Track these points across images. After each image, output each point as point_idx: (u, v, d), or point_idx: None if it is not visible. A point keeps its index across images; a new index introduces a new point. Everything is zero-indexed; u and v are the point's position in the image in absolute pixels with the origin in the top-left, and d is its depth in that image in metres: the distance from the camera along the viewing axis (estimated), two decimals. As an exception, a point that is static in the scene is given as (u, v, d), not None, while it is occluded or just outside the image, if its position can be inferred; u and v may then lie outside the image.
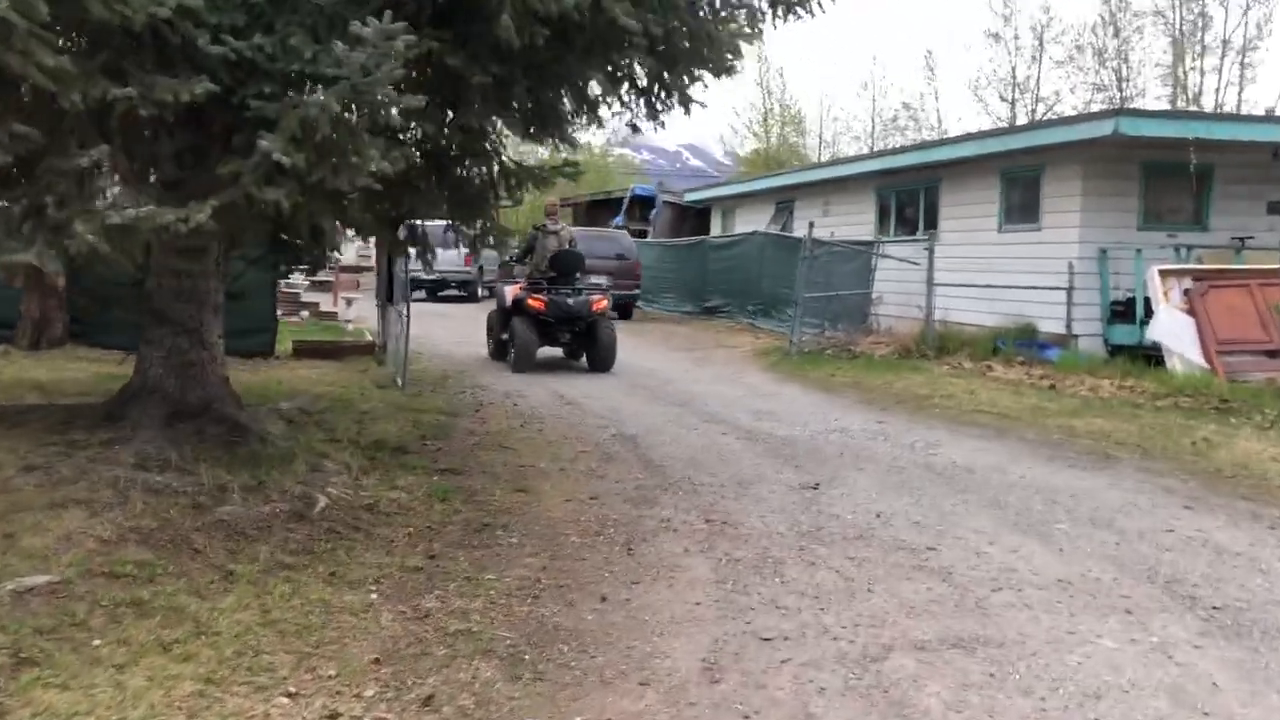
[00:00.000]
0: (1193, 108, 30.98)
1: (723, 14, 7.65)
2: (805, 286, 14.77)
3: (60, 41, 4.45)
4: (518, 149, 11.84)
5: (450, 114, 5.94)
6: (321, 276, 33.40)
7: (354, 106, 4.30)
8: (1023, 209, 15.81)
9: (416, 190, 6.11)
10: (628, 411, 9.88)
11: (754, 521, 5.97)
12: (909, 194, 19.17)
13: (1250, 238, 14.21)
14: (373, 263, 33.00)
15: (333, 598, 4.47)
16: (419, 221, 7.52)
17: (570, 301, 13.11)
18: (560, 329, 13.28)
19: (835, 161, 27.16)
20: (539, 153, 46.52)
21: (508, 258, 13.76)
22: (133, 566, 4.54)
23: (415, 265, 25.71)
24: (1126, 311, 13.67)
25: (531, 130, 6.14)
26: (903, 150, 21.78)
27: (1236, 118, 20.92)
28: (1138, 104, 32.56)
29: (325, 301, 21.24)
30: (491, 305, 15.52)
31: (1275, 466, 7.69)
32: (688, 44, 6.42)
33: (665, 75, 6.37)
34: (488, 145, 6.23)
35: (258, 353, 12.41)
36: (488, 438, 8.20)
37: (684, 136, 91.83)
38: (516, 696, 3.63)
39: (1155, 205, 14.55)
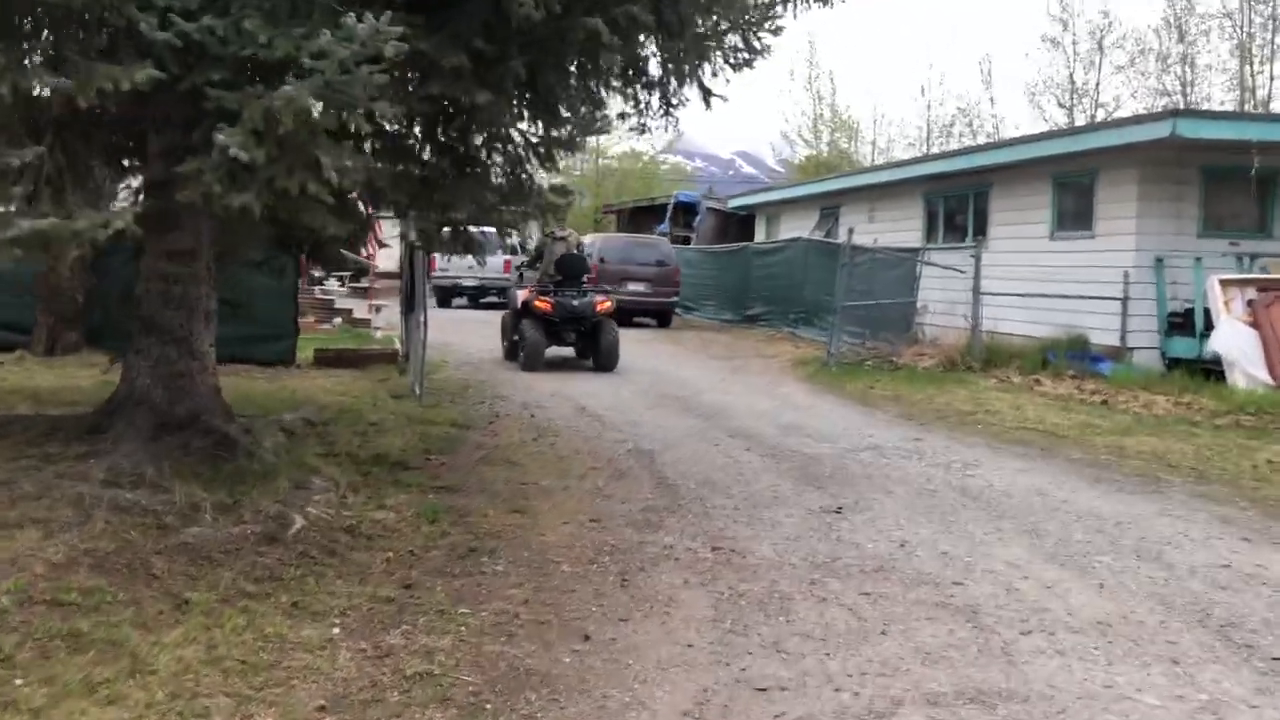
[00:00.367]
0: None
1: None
2: (844, 295, 14.25)
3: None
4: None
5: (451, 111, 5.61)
6: (363, 283, 33.67)
7: (322, 104, 3.94)
8: (1076, 215, 15.19)
9: (440, 188, 5.76)
10: (650, 424, 9.47)
11: (765, 550, 5.53)
12: (958, 200, 18.58)
13: (1319, 246, 13.50)
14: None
15: (290, 631, 4.11)
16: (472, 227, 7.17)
17: (575, 303, 13.74)
18: (566, 329, 13.94)
19: (881, 166, 26.55)
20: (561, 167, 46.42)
21: (519, 264, 14.64)
22: (78, 594, 4.22)
23: (453, 271, 25.57)
24: (1185, 323, 13.01)
25: (535, 116, 5.75)
26: (951, 154, 21.15)
27: (1305, 120, 20.06)
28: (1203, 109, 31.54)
29: (361, 308, 21.04)
30: None
31: (1345, 493, 7.11)
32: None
33: (679, 58, 5.96)
34: (504, 144, 5.85)
35: (278, 361, 12.19)
36: (496, 452, 7.84)
37: (737, 144, 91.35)
38: (465, 756, 3.24)
39: (1216, 211, 13.86)
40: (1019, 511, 6.57)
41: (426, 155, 6.26)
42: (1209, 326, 12.30)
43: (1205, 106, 31.45)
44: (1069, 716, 3.61)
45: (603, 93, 6.35)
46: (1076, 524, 6.30)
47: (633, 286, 21.52)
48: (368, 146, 5.11)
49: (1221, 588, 5.14)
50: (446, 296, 26.91)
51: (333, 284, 21.75)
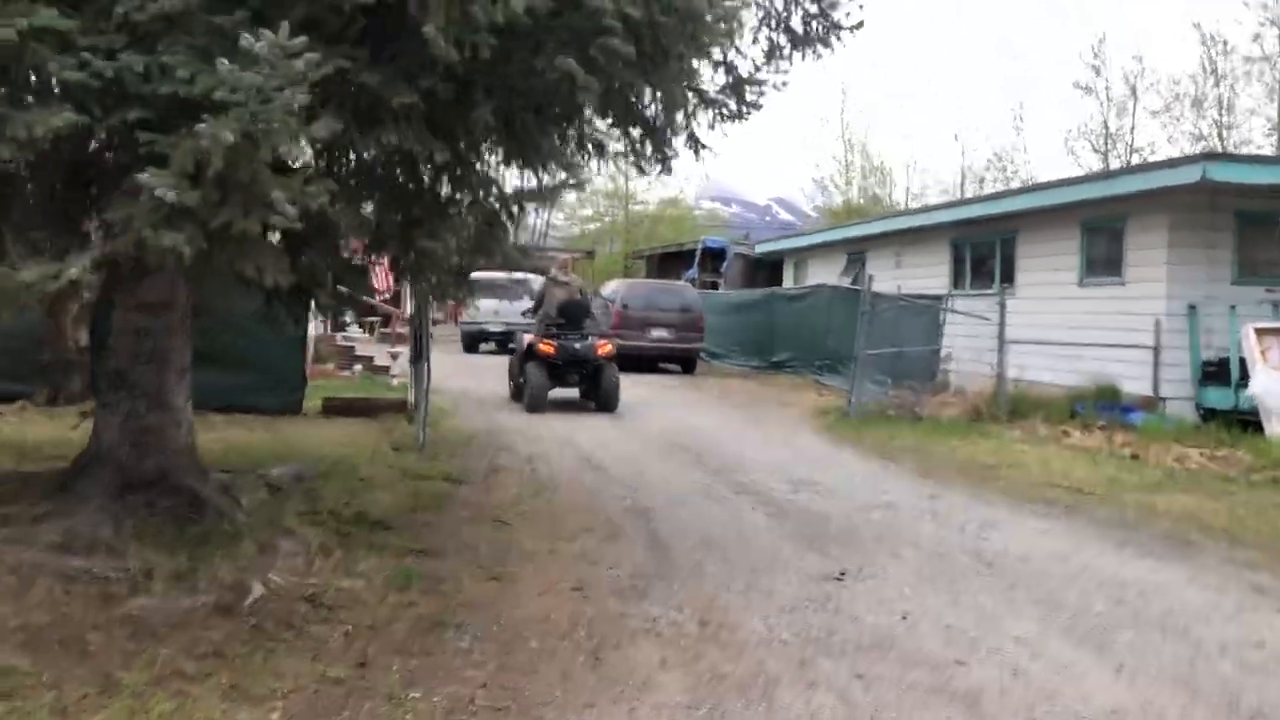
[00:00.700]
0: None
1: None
2: (865, 342, 13.84)
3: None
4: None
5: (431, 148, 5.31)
6: (391, 328, 33.59)
7: (255, 137, 3.65)
8: (1105, 262, 14.73)
9: (413, 229, 5.45)
10: (655, 478, 9.08)
11: (756, 623, 5.12)
12: (985, 246, 18.17)
13: (1360, 293, 12.93)
14: (446, 315, 33.08)
15: (223, 717, 3.76)
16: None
17: (577, 346, 14.20)
18: (569, 371, 14.39)
19: (908, 211, 26.23)
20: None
21: (525, 309, 15.85)
22: (-4, 675, 3.90)
23: (479, 317, 25.38)
24: (1220, 372, 12.48)
25: (511, 159, 5.42)
26: (977, 200, 20.80)
27: (1344, 163, 19.48)
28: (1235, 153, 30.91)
29: (383, 355, 20.84)
30: None
31: (1391, 560, 6.59)
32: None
33: (670, 103, 5.65)
34: (476, 180, 5.51)
35: (285, 410, 11.93)
36: (486, 510, 7.48)
37: (774, 190, 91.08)
38: None
39: (1251, 257, 13.35)
40: (1035, 579, 6.11)
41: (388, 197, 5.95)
42: (1245, 376, 11.78)
43: (1243, 150, 30.86)
44: (1073, 832, 3.18)
45: (589, 138, 6.03)
46: (1097, 593, 5.83)
47: (656, 333, 21.23)
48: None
49: (1253, 670, 4.67)
50: (473, 342, 26.74)
51: (355, 330, 21.53)
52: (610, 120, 5.71)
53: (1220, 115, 33.96)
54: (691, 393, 17.68)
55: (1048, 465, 10.21)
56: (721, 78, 7.21)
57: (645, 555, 6.36)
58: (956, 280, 19.04)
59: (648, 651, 4.69)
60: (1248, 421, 11.52)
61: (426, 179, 5.40)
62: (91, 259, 3.95)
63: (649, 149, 6.31)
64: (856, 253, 23.67)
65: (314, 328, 19.68)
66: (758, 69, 7.72)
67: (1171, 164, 13.72)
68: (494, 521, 7.09)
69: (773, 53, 8.07)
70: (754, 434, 12.51)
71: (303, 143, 3.80)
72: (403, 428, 11.25)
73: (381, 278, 19.10)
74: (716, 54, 5.74)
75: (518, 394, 14.89)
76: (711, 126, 6.95)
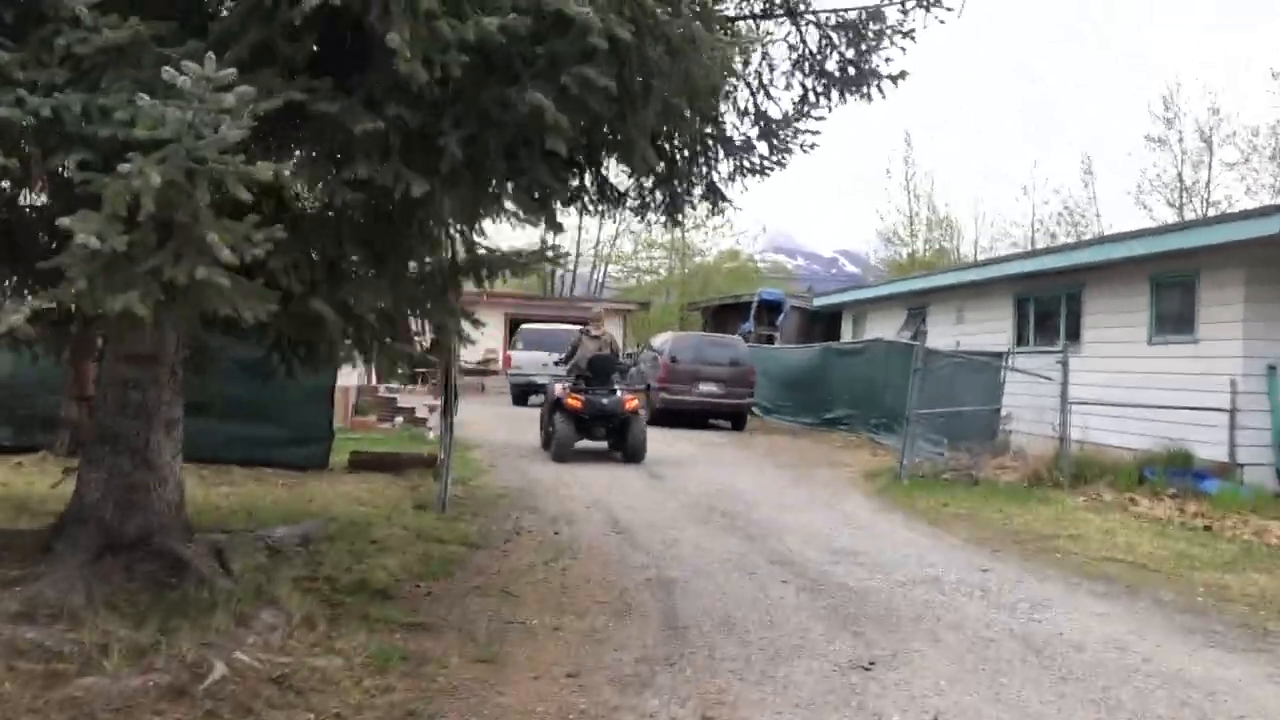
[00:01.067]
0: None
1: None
2: (918, 401, 13.26)
3: None
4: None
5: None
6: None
7: (192, 177, 3.32)
8: (1176, 318, 14.02)
9: (351, 280, 5.10)
10: (685, 545, 8.60)
11: (766, 721, 4.62)
12: (1049, 301, 17.50)
13: None
14: (499, 364, 32.95)
15: (147, 825, 3.36)
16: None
17: (605, 401, 14.55)
18: (596, 425, 14.77)
19: (970, 265, 25.54)
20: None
21: (556, 359, 16.46)
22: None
23: (527, 369, 25.14)
24: (1302, 438, 11.69)
25: (480, 205, 5.02)
26: (1041, 252, 20.12)
27: None
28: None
29: (424, 407, 20.62)
30: None
31: None
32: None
33: (677, 152, 5.27)
34: (432, 226, 5.13)
35: (310, 465, 11.67)
36: (497, 578, 7.06)
37: (840, 242, 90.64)
38: None
39: (1335, 314, 12.57)
40: (1089, 671, 5.52)
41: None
42: (1330, 443, 11.00)
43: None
44: None
45: (586, 188, 5.66)
46: (1159, 691, 5.23)
47: (704, 387, 20.78)
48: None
49: (1341, 795, 4.06)
50: (522, 394, 26.53)
51: (396, 381, 21.34)
52: (584, 164, 5.31)
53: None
54: (738, 450, 17.15)
55: (1111, 536, 9.54)
56: (749, 125, 6.87)
57: (657, 636, 5.88)
58: (1020, 337, 18.37)
59: (640, 753, 4.21)
60: (1333, 492, 10.75)
61: (391, 219, 5.02)
62: (32, 309, 3.63)
63: (659, 197, 5.92)
64: (917, 307, 23.06)
65: (355, 378, 19.63)
66: (795, 116, 7.38)
67: (1247, 215, 13.03)
68: (502, 592, 6.66)
69: (805, 99, 7.71)
70: (798, 497, 11.96)
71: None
72: (429, 485, 10.92)
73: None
74: (716, 99, 5.33)
75: (548, 443, 15.33)
76: (735, 176, 6.58)
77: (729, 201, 6.89)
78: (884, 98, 7.52)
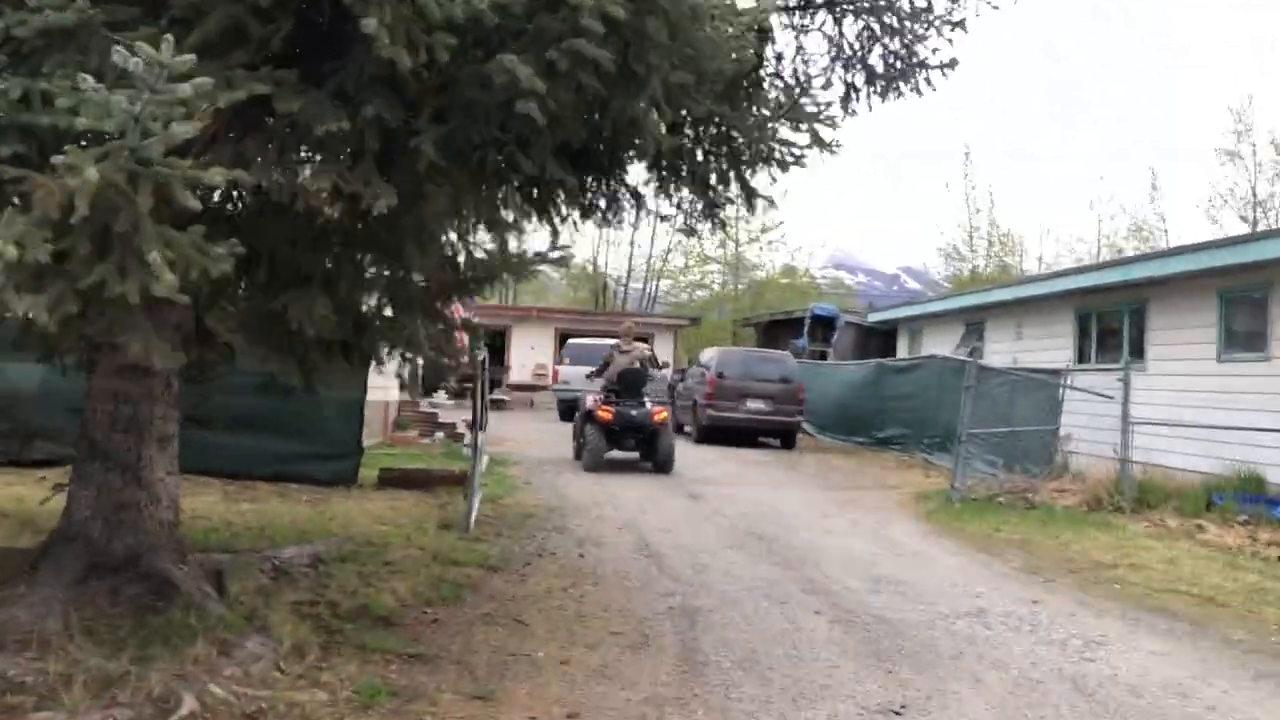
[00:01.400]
0: None
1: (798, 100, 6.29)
2: (970, 421, 12.71)
3: None
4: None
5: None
6: (497, 395, 33.45)
7: (135, 180, 3.02)
8: (1247, 335, 13.36)
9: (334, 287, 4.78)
10: (716, 572, 8.18)
11: (780, 772, 4.20)
12: (1112, 317, 16.87)
13: None
14: (548, 380, 32.74)
15: None
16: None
17: (634, 413, 15.13)
18: (626, 436, 15.36)
19: (1028, 279, 24.81)
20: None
21: (588, 373, 17.11)
22: None
23: (575, 384, 24.98)
24: (1385, 463, 10.98)
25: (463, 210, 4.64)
26: (1103, 266, 19.46)
27: None
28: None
29: (465, 422, 20.40)
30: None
31: None
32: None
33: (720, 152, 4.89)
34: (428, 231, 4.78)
35: (338, 481, 11.43)
36: (510, 605, 6.70)
37: (902, 258, 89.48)
38: None
39: None
40: (1146, 721, 5.03)
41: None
42: None
43: None
44: None
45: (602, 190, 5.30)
46: (1225, 746, 4.73)
47: (752, 404, 20.31)
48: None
49: None
50: (568, 409, 26.21)
51: (440, 396, 21.21)
52: (596, 158, 4.94)
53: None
54: (784, 470, 16.65)
55: (1175, 566, 8.95)
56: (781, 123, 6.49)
57: (672, 672, 5.48)
58: (1081, 354, 17.72)
59: (634, 808, 3.82)
60: None
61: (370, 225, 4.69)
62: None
63: (686, 193, 5.55)
64: (975, 323, 22.44)
65: (396, 393, 19.48)
66: (829, 109, 6.96)
67: (1323, 226, 12.35)
68: (512, 621, 6.30)
69: (849, 95, 7.31)
70: (842, 520, 11.47)
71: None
72: (458, 503, 10.59)
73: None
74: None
75: (580, 453, 15.92)
76: (763, 164, 6.17)
77: (765, 199, 6.51)
78: (934, 90, 7.10)
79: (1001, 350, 20.27)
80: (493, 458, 15.57)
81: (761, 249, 44.32)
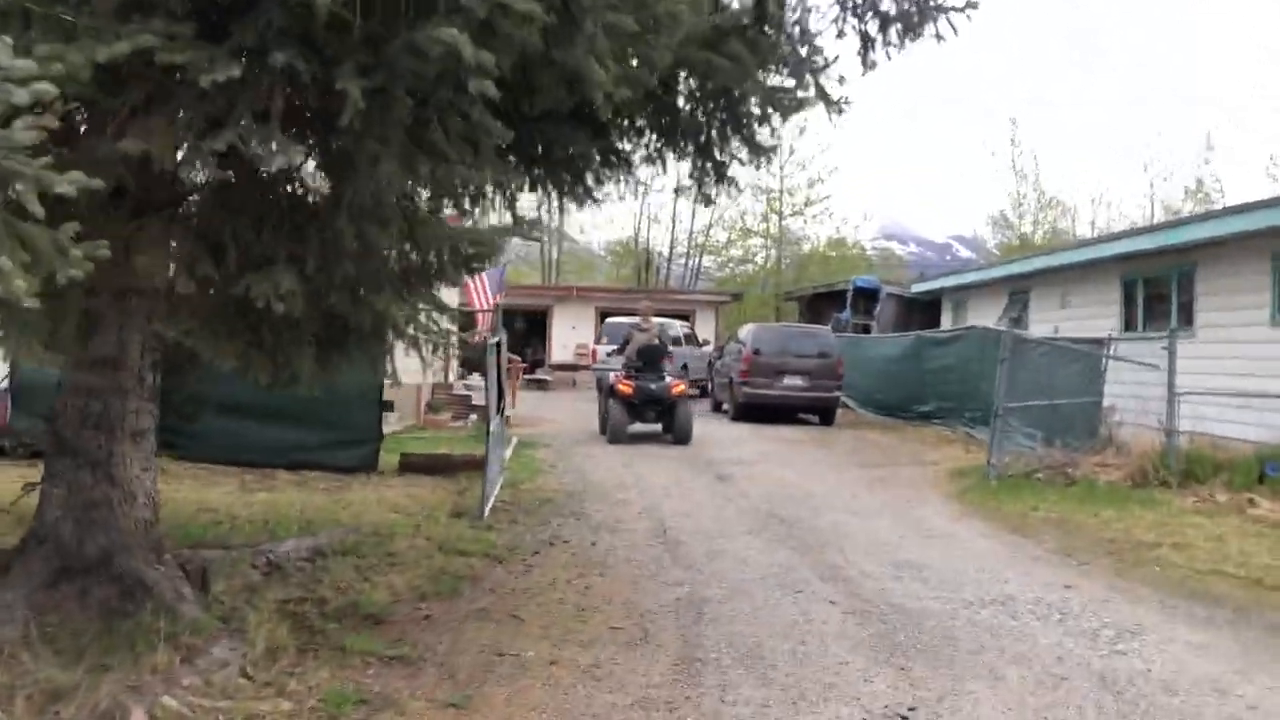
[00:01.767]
0: None
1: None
2: (1006, 394, 12.19)
3: None
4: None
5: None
6: (540, 375, 33.22)
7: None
8: (1303, 297, 12.67)
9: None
10: (729, 558, 7.82)
11: (766, 788, 3.85)
12: (1159, 283, 16.19)
13: None
14: (589, 359, 32.47)
15: None
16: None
17: (653, 387, 15.96)
18: (646, 409, 16.13)
19: (1073, 245, 23.97)
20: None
21: (600, 349, 18.77)
22: None
23: (614, 364, 24.66)
24: None
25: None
26: (1148, 230, 18.70)
27: None
28: None
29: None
30: None
31: None
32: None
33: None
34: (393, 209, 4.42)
35: (358, 468, 11.23)
36: (508, 598, 6.40)
37: (953, 227, 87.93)
38: None
39: None
40: (1178, 724, 4.60)
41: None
42: None
43: None
44: None
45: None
46: (1264, 752, 4.30)
47: (789, 380, 19.84)
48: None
49: None
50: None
51: (475, 378, 20.96)
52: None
53: None
54: (818, 449, 16.21)
55: (1222, 545, 8.43)
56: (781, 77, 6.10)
57: (667, 672, 5.13)
58: (1128, 321, 17.05)
59: (600, 833, 3.49)
60: None
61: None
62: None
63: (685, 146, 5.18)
64: (1019, 292, 21.77)
65: (429, 375, 19.28)
66: (835, 63, 6.53)
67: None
68: (506, 616, 6.00)
69: (866, 46, 6.84)
70: (871, 500, 11.04)
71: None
72: (477, 488, 10.32)
73: (481, 297, 18.44)
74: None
75: (604, 428, 16.62)
76: (786, 113, 5.76)
77: (769, 152, 6.13)
78: (956, 35, 6.61)
79: (1047, 319, 19.62)
80: (522, 440, 15.35)
81: (806, 222, 43.57)
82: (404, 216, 4.43)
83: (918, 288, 28.71)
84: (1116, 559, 8.13)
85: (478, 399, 19.44)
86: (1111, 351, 14.26)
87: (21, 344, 5.31)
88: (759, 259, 44.86)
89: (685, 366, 25.95)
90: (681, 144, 5.89)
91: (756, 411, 19.95)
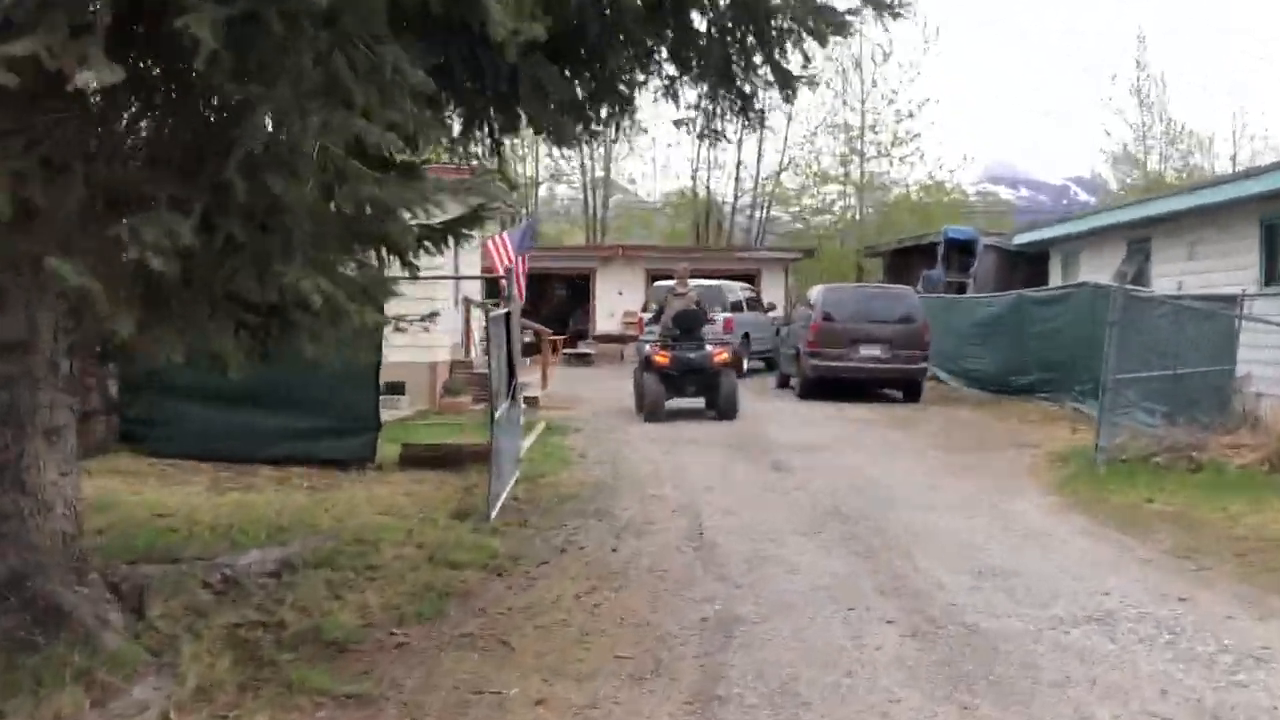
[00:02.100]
0: None
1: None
2: (1116, 364, 11.69)
3: None
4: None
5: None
6: (582, 349, 33.06)
7: None
8: None
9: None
10: (775, 566, 7.52)
11: None
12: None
13: None
14: (637, 329, 32.22)
15: None
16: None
17: (692, 355, 16.01)
18: (685, 381, 16.17)
19: (1202, 184, 23.06)
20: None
21: (646, 317, 18.53)
22: None
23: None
24: None
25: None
26: (1293, 164, 17.88)
27: None
28: None
29: (535, 383, 20.00)
30: None
31: None
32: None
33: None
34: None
35: (354, 460, 11.08)
36: (501, 620, 6.17)
37: (1071, 168, 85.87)
38: None
39: None
40: (1306, 779, 4.23)
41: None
42: None
43: None
44: None
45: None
46: None
47: (866, 350, 19.39)
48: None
49: None
50: (652, 362, 25.71)
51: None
52: None
53: None
54: (897, 430, 15.81)
55: (1377, 546, 7.95)
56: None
57: (676, 712, 4.85)
58: (1269, 275, 16.32)
59: None
60: None
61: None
62: None
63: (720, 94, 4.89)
64: (1139, 240, 21.01)
65: (448, 352, 19.16)
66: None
67: None
68: (494, 643, 5.76)
69: None
70: (954, 493, 10.65)
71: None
72: (484, 485, 10.13)
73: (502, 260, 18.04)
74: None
75: (640, 404, 16.58)
76: (824, 38, 5.45)
77: (803, 81, 5.81)
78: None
79: (1169, 272, 18.93)
80: (551, 425, 15.16)
81: (893, 164, 42.61)
82: (327, 166, 4.14)
83: (1022, 239, 27.93)
84: (1243, 562, 7.70)
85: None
86: (1246, 310, 13.64)
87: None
88: (837, 208, 44.08)
89: (747, 336, 25.58)
90: (698, 69, 5.57)
91: (827, 387, 19.52)
